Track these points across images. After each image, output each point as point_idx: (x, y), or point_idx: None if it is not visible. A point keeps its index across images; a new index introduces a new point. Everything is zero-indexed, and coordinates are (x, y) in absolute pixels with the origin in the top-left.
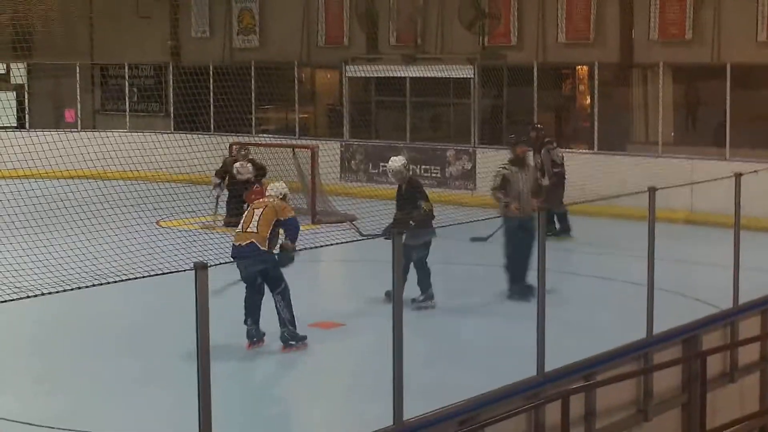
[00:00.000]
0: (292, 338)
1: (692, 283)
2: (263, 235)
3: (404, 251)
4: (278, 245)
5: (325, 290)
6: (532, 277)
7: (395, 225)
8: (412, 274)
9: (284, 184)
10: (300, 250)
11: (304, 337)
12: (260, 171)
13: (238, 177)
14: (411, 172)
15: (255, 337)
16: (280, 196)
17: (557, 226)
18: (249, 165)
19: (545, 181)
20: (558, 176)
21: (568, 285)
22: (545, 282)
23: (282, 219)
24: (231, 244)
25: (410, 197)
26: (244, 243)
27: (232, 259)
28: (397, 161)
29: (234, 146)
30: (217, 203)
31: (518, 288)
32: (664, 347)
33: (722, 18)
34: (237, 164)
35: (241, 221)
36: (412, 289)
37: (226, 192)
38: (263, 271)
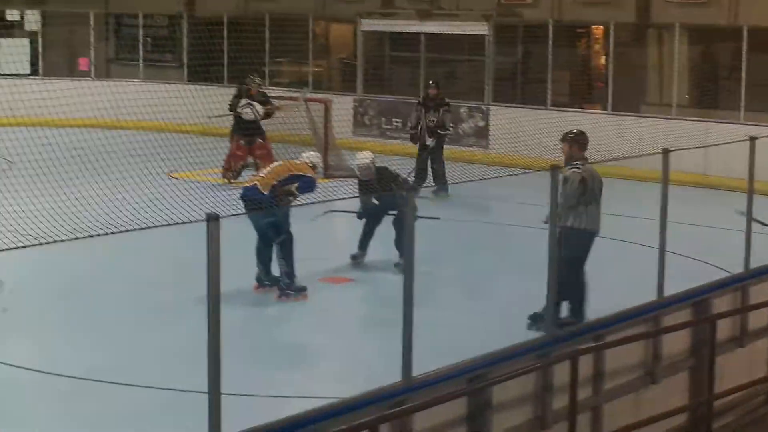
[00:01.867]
0: (288, 288)
1: (704, 247)
2: (268, 181)
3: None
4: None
5: (336, 245)
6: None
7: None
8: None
9: (318, 155)
10: (312, 203)
11: (303, 288)
12: (267, 112)
13: (244, 116)
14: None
15: (265, 281)
16: (309, 164)
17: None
18: (258, 107)
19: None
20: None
21: None
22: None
23: (298, 173)
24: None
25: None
26: (249, 185)
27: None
28: (366, 157)
29: (251, 78)
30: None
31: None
32: (674, 310)
33: None
34: (244, 103)
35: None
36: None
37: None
38: (267, 217)
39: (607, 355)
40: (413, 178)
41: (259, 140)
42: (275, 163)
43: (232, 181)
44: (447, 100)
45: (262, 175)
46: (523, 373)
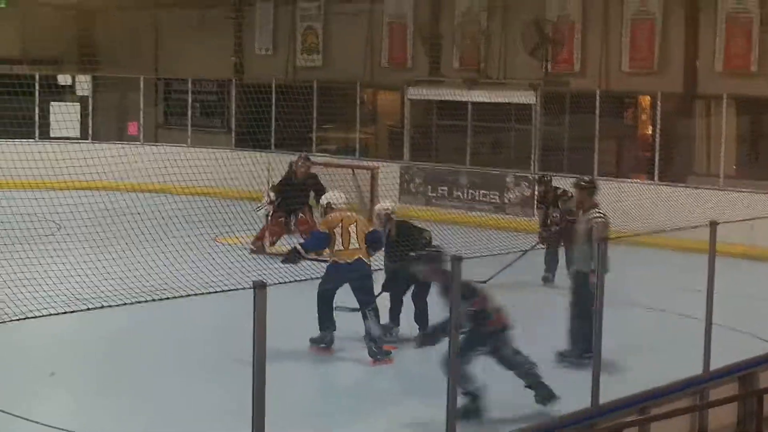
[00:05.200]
0: (379, 353)
1: (751, 320)
2: (365, 250)
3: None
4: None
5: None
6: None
7: (393, 279)
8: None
9: (342, 194)
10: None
11: (388, 353)
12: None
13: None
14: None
15: (322, 344)
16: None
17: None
18: (269, 208)
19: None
20: None
21: (625, 316)
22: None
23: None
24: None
25: (405, 237)
26: (352, 260)
27: (344, 278)
28: (384, 208)
29: (300, 158)
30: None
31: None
32: (720, 384)
33: None
34: (265, 204)
35: (338, 238)
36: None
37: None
38: (359, 285)
39: (652, 429)
40: (546, 272)
41: (301, 215)
42: (353, 227)
43: (265, 252)
44: (562, 188)
45: (357, 246)
46: None
